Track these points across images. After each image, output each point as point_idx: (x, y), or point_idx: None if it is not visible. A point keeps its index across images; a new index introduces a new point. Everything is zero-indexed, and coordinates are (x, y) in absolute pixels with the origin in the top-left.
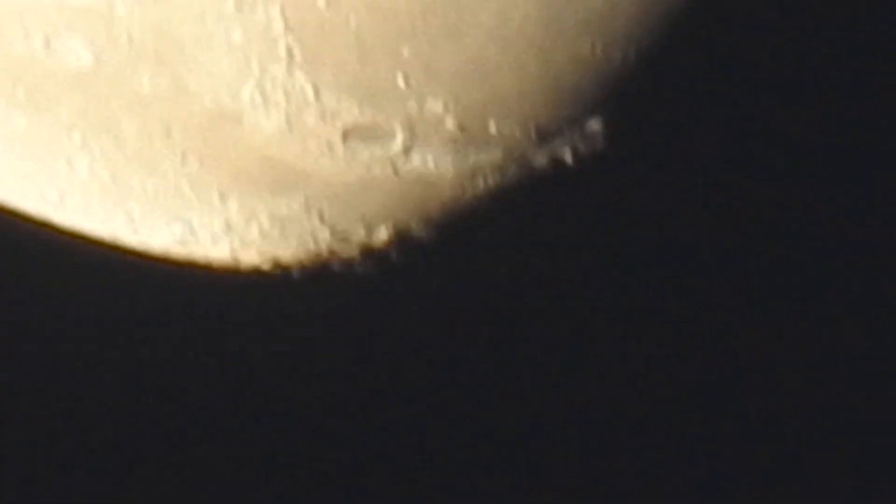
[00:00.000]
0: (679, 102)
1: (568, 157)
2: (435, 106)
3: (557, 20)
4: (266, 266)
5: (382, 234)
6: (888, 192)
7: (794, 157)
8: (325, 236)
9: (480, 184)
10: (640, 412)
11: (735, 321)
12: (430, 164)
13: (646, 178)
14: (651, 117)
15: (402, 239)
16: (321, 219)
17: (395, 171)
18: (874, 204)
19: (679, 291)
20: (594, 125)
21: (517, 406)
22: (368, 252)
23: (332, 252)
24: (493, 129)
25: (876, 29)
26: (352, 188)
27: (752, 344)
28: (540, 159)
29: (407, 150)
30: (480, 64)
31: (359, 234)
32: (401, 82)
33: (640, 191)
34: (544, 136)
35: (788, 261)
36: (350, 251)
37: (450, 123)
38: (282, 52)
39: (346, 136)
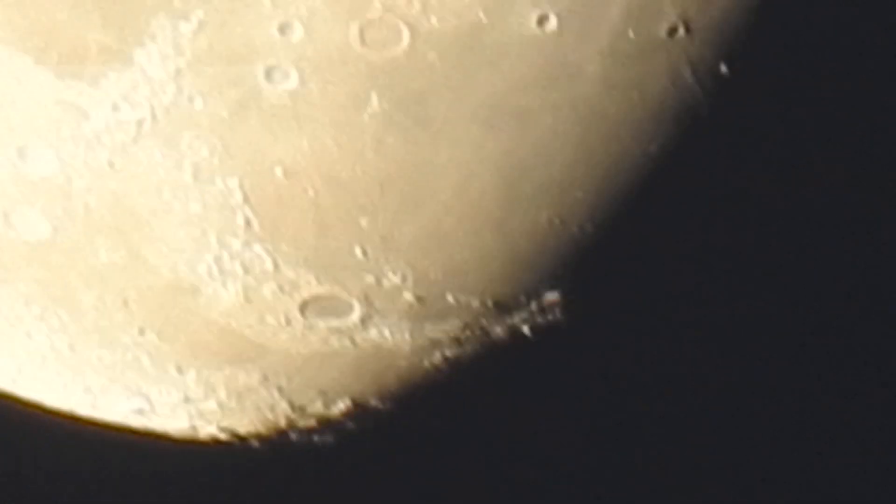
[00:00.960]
0: (636, 273)
1: (526, 329)
2: (393, 278)
3: (514, 192)
4: (224, 437)
5: (340, 406)
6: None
7: (761, 326)
8: (283, 408)
9: (438, 355)
10: None
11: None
12: (388, 335)
13: (604, 350)
14: (609, 288)
15: (359, 410)
16: (279, 391)
17: (353, 343)
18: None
19: (641, 463)
20: (552, 296)
21: None
22: (326, 423)
23: (290, 423)
24: (450, 300)
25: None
26: (310, 360)
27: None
28: (498, 331)
29: (365, 323)
30: (438, 236)
31: (316, 406)
32: (359, 254)
33: (598, 362)
34: (502, 307)
35: (760, 411)
36: (308, 422)
37: (408, 295)
38: (240, 223)
39: (304, 308)
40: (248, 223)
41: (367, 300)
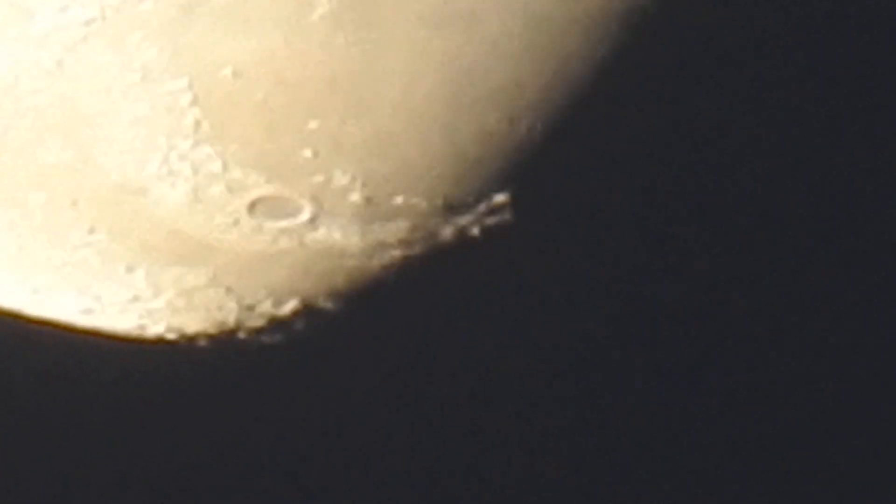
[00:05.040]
0: (585, 175)
1: (474, 230)
2: (342, 179)
3: (463, 94)
4: (172, 336)
5: (289, 306)
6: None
7: (703, 224)
8: (231, 307)
9: (387, 256)
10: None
11: (636, 399)
12: (337, 236)
13: (552, 251)
14: (557, 190)
15: (308, 310)
16: (228, 290)
17: (302, 244)
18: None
19: (585, 365)
20: (500, 198)
21: (418, 483)
22: (275, 323)
23: (238, 323)
24: (399, 201)
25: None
26: (259, 260)
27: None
28: (446, 232)
29: (313, 223)
30: (387, 137)
31: (265, 306)
32: (308, 155)
33: (546, 264)
34: (450, 208)
35: (694, 336)
36: (257, 322)
37: (356, 196)
38: (189, 124)
39: (252, 208)
40: (196, 124)
41: (315, 201)
